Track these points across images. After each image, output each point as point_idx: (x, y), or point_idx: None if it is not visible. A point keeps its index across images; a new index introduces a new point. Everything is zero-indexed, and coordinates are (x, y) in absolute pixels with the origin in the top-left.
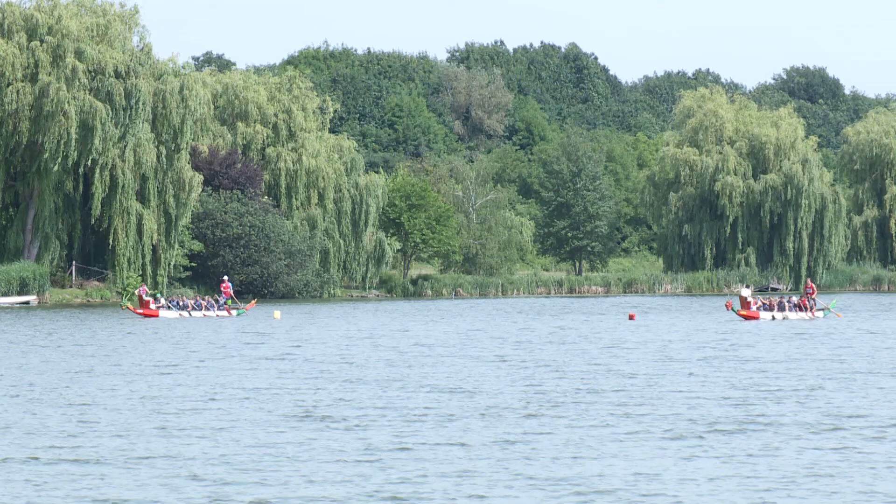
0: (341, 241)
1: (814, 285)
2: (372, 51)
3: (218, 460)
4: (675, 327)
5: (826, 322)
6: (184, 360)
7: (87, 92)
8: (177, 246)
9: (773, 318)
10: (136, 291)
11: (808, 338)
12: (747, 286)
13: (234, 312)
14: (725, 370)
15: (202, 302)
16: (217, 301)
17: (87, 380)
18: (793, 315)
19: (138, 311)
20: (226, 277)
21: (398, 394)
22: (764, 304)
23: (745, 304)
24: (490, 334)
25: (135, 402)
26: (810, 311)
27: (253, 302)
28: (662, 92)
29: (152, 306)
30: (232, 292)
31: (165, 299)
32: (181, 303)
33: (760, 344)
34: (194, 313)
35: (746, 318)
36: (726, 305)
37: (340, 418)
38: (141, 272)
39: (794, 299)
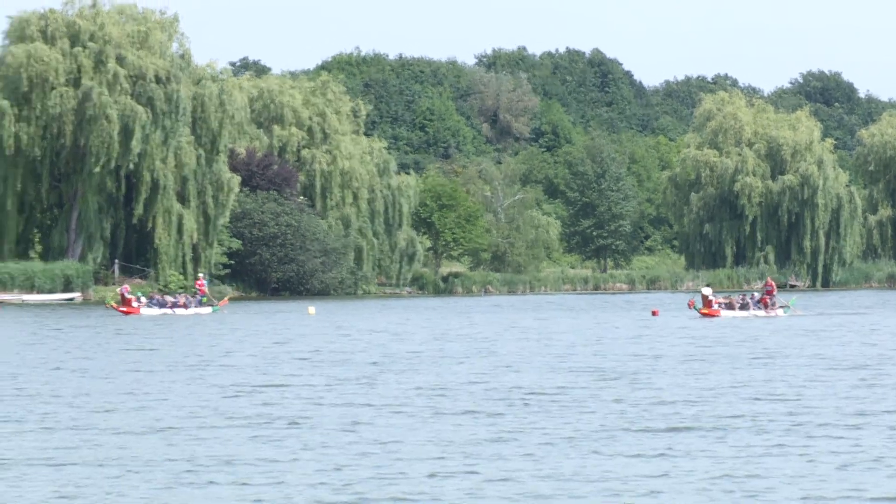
0: (374, 240)
1: (773, 283)
2: (403, 56)
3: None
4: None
5: (783, 320)
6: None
7: (129, 96)
8: (216, 244)
9: (755, 315)
10: (119, 290)
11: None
12: (707, 285)
13: (210, 309)
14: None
15: (180, 299)
16: (195, 298)
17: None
18: (760, 313)
19: (121, 308)
20: (200, 275)
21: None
22: (725, 303)
23: (706, 302)
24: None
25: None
26: (772, 308)
27: (225, 299)
28: (683, 96)
29: (134, 304)
30: (207, 290)
31: (146, 298)
32: (161, 300)
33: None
34: (175, 311)
35: (707, 316)
36: (689, 304)
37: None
38: (181, 270)
39: (756, 296)
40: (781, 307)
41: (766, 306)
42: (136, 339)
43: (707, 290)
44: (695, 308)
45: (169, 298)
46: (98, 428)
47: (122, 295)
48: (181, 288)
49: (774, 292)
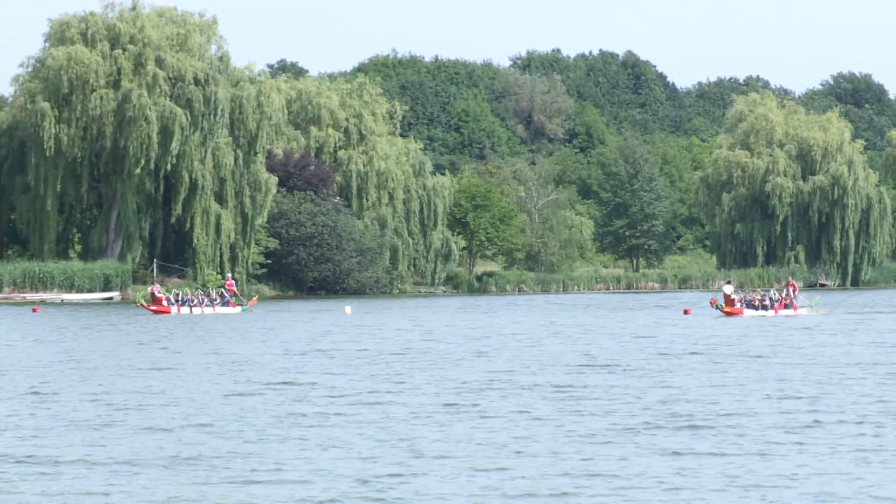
0: (410, 240)
1: (795, 283)
2: (439, 58)
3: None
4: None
5: (806, 318)
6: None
7: (168, 98)
8: (253, 244)
9: (776, 312)
10: (149, 289)
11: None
12: (728, 282)
13: (239, 308)
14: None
15: (205, 298)
16: (222, 297)
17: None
18: (788, 312)
19: (151, 307)
20: (229, 275)
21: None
22: (748, 301)
23: (728, 301)
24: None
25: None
26: (793, 307)
27: (254, 299)
28: (715, 97)
29: (164, 303)
30: (235, 289)
31: (174, 297)
32: (191, 300)
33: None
34: (204, 310)
35: (730, 314)
36: (711, 302)
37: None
38: (219, 269)
39: (777, 296)
40: (805, 307)
41: (786, 305)
42: (181, 337)
43: (729, 289)
44: (717, 307)
45: (198, 298)
46: (133, 426)
47: (153, 294)
48: (219, 287)
49: (796, 292)
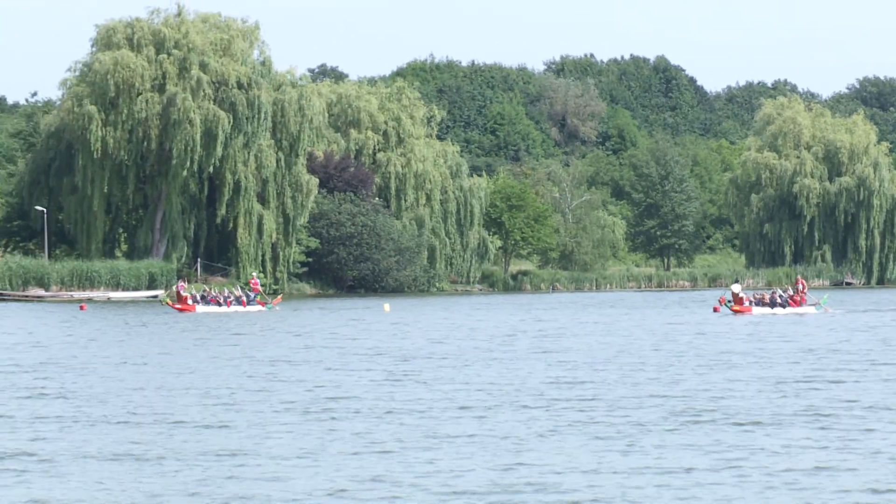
0: (447, 239)
1: (804, 282)
2: (475, 63)
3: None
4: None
5: (814, 317)
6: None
7: (212, 102)
8: (294, 244)
9: (774, 312)
10: (174, 287)
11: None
12: (736, 281)
13: (265, 306)
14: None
15: (231, 297)
16: (248, 296)
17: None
18: (781, 311)
19: (176, 305)
20: (254, 274)
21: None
22: (757, 299)
23: (737, 299)
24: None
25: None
26: (803, 305)
27: (279, 297)
28: (744, 101)
29: (189, 302)
30: (260, 288)
31: (200, 295)
32: (215, 298)
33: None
34: (230, 308)
35: (738, 312)
36: (719, 300)
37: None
38: (261, 268)
39: (785, 294)
40: (812, 304)
41: (795, 303)
42: (226, 336)
43: (737, 288)
44: (726, 304)
45: (223, 296)
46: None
47: (178, 292)
48: (245, 285)
49: (806, 290)
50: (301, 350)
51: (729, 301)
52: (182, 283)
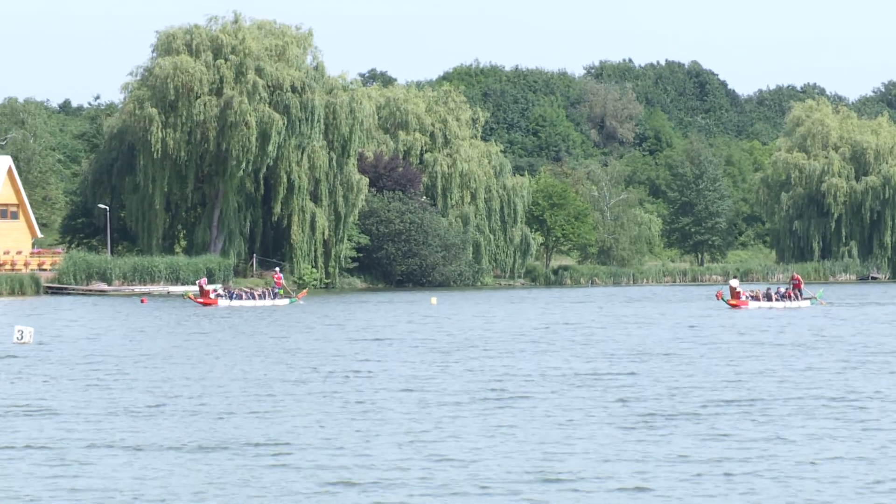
0: (491, 236)
1: (799, 277)
2: (518, 68)
3: None
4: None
5: (809, 310)
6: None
7: (267, 105)
8: (345, 240)
9: (771, 307)
10: (197, 282)
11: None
12: (734, 277)
13: (287, 301)
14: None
15: (255, 292)
16: (272, 291)
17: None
18: (779, 305)
19: (198, 300)
20: (277, 269)
21: None
22: (752, 295)
23: (734, 294)
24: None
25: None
26: (798, 299)
27: (304, 291)
28: (774, 104)
29: (211, 296)
30: (284, 283)
31: (224, 290)
32: (238, 293)
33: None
34: (252, 302)
35: (735, 306)
36: (717, 295)
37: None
38: (314, 264)
39: (782, 290)
40: (808, 299)
41: (790, 298)
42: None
43: (735, 283)
44: (723, 299)
45: (246, 291)
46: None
47: (201, 287)
48: (299, 279)
49: (801, 286)
50: (350, 343)
51: (725, 297)
52: (204, 279)
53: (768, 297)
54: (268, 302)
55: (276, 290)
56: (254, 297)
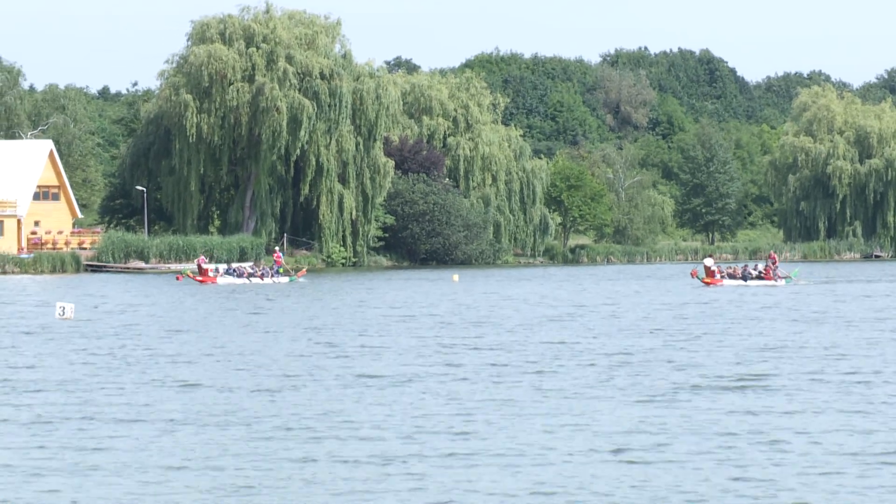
0: (511, 216)
1: (776, 256)
2: (537, 55)
3: None
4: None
5: (782, 288)
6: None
7: (297, 91)
8: (372, 220)
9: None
10: (196, 260)
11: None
12: (710, 256)
13: (287, 279)
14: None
15: (256, 270)
16: (271, 269)
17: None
18: (754, 283)
19: (197, 278)
20: (277, 249)
21: None
22: (728, 273)
23: (709, 272)
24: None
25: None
26: (774, 279)
27: (304, 270)
28: (782, 90)
29: (210, 274)
30: (283, 261)
31: (223, 268)
32: (239, 271)
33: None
34: (252, 280)
35: (710, 284)
36: (691, 273)
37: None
38: (342, 243)
39: (760, 267)
40: (783, 277)
41: (769, 277)
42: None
43: (709, 261)
44: (697, 277)
45: (246, 269)
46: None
47: (199, 265)
48: (328, 257)
49: (777, 264)
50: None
51: (700, 275)
52: (203, 258)
53: (745, 276)
54: (268, 280)
55: (277, 269)
56: (255, 276)
